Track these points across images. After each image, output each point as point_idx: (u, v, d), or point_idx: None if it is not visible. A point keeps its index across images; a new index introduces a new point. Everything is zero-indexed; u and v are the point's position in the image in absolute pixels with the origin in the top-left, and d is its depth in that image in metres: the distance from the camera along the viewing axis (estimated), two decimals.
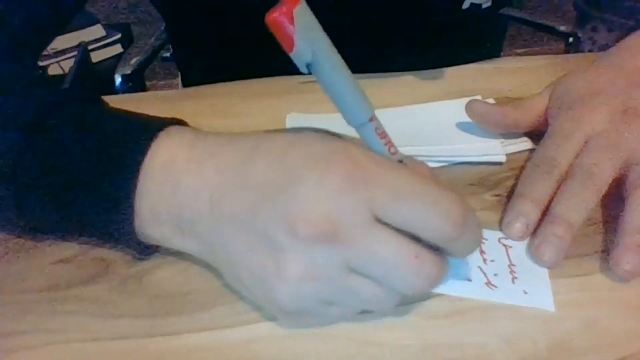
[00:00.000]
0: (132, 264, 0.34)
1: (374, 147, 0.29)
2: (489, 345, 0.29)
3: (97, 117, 0.33)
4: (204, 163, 0.30)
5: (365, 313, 0.30)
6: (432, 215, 0.26)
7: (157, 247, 0.34)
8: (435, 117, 0.47)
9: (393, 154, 0.29)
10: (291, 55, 0.26)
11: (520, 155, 0.42)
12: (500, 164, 0.42)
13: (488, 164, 0.42)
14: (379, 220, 0.26)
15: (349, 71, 0.27)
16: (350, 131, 0.29)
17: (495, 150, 0.43)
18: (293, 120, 0.47)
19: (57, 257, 0.35)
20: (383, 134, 0.29)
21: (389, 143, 0.29)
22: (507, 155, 0.42)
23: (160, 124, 0.32)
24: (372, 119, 0.28)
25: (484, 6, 0.56)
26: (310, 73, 0.27)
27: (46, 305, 0.32)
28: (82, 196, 0.31)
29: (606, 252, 0.34)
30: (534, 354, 0.29)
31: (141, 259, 0.34)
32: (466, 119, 0.44)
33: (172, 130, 0.32)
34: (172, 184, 0.30)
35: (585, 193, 0.34)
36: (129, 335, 0.30)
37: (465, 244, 0.28)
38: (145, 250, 0.33)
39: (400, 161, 0.30)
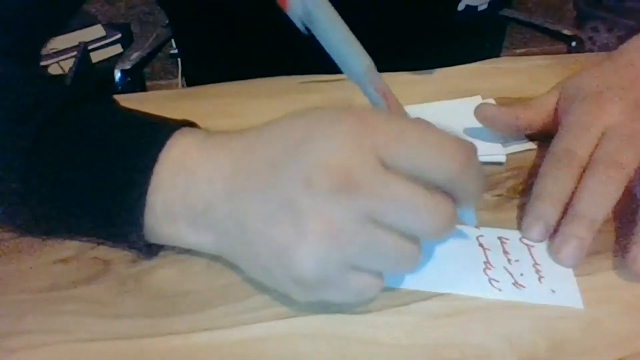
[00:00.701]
0: (132, 264, 0.34)
1: (375, 102, 0.30)
2: (489, 345, 0.29)
3: (113, 115, 0.34)
4: (215, 155, 0.31)
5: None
6: (437, 154, 0.27)
7: (161, 247, 0.34)
8: (435, 117, 0.47)
9: (392, 107, 0.30)
10: (288, 12, 0.27)
11: (520, 155, 0.42)
12: (500, 164, 0.42)
13: (488, 164, 0.42)
14: (388, 167, 0.27)
15: (345, 25, 0.28)
16: None
17: (495, 150, 0.43)
18: None
19: (57, 257, 0.35)
20: (381, 89, 0.30)
21: (388, 95, 0.30)
22: (508, 155, 0.42)
23: (176, 124, 0.33)
24: (371, 72, 0.29)
25: (480, 8, 0.56)
26: (309, 33, 0.28)
27: (46, 305, 0.32)
28: (94, 189, 0.31)
29: (606, 252, 0.34)
30: (534, 354, 0.29)
31: (143, 259, 0.34)
32: (466, 119, 0.44)
33: (186, 130, 0.33)
34: (185, 176, 0.31)
35: (608, 187, 0.34)
36: (129, 335, 0.30)
37: (473, 183, 0.28)
38: (150, 251, 0.33)
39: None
